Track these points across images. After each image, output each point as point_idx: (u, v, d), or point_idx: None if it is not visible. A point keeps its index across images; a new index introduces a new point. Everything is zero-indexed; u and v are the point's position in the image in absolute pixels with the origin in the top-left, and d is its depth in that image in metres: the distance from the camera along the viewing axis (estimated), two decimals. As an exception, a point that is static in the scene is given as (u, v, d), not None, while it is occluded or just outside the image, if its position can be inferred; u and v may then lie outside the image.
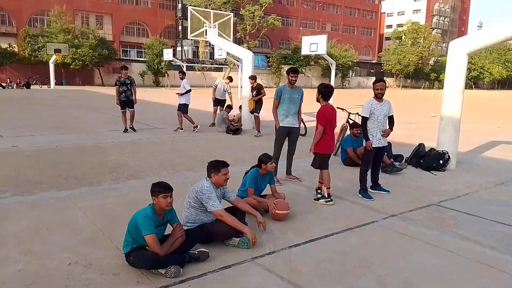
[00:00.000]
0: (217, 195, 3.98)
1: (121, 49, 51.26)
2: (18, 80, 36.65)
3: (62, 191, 5.50)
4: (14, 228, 4.16)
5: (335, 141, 8.49)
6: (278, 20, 52.44)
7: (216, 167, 3.98)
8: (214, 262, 3.54)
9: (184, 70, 38.27)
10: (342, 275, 3.40)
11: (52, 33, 39.80)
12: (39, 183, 5.84)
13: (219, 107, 12.88)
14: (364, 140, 5.65)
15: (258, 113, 11.18)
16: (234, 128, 11.30)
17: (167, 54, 38.31)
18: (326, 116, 5.25)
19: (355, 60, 61.51)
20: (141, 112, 12.70)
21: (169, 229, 3.61)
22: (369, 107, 5.52)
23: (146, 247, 3.32)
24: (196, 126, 11.32)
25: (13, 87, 34.44)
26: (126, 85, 10.72)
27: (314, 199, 5.35)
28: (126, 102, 10.78)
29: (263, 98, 11.31)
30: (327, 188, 5.30)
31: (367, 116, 5.52)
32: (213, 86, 13.26)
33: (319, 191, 5.52)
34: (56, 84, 36.68)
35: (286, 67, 56.25)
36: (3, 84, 34.01)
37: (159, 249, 3.29)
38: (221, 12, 18.09)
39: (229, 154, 8.20)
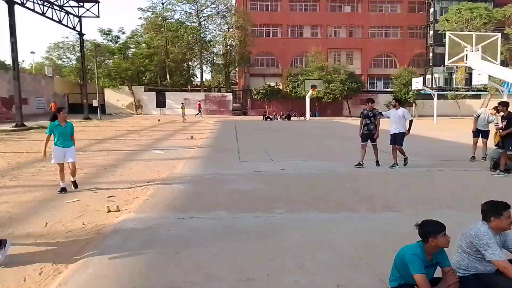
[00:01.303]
0: (497, 242, 3.43)
1: (368, 81, 52.94)
2: (282, 112, 43.08)
3: (323, 213, 6.00)
4: (289, 241, 4.79)
5: None
6: (558, 34, 42.43)
7: (496, 209, 3.45)
8: (495, 320, 3.04)
9: (435, 98, 36.02)
10: None
11: (309, 71, 45.22)
12: (305, 203, 6.57)
13: (481, 138, 11.37)
14: None
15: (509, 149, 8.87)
16: (506, 168, 9.10)
17: (416, 83, 36.95)
18: None
19: None
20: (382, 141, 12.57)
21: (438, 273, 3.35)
22: None
23: (415, 286, 3.17)
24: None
25: (277, 119, 40.71)
26: (369, 118, 10.29)
27: None
28: (368, 135, 10.28)
29: None
30: None
31: None
32: (474, 115, 11.85)
33: None
34: (310, 116, 41.08)
35: None
36: (271, 116, 40.67)
37: (429, 290, 3.08)
38: (486, 33, 16.16)
39: (499, 195, 7.01)
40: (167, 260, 4.24)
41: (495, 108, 10.74)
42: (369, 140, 10.28)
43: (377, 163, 10.26)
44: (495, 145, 9.63)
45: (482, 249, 3.37)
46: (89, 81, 41.88)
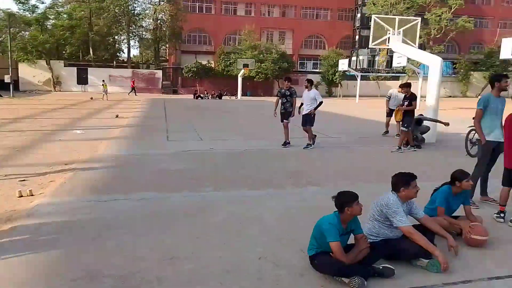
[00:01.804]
0: (404, 210, 3.76)
1: (298, 61, 54.13)
2: (213, 91, 42.64)
3: (251, 190, 6.11)
4: (215, 219, 4.82)
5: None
6: (470, 22, 46.67)
7: (406, 180, 3.77)
8: (399, 280, 3.34)
9: (359, 79, 38.00)
10: None
11: (242, 50, 45.03)
12: (233, 181, 6.63)
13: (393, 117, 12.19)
14: None
15: (406, 128, 9.66)
16: (416, 144, 10.07)
17: (343, 65, 38.58)
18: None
19: None
20: (317, 121, 12.98)
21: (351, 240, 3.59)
22: None
23: (331, 254, 3.37)
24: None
25: (208, 98, 40.24)
26: (286, 97, 10.01)
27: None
28: (284, 114, 10.09)
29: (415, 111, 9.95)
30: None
31: None
32: (386, 98, 12.81)
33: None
34: (242, 95, 41.16)
35: (475, 74, 49.59)
36: (202, 95, 40.07)
37: (343, 257, 3.30)
38: (407, 17, 17.17)
39: (407, 168, 7.65)
40: (86, 244, 4.05)
41: (401, 86, 11.49)
42: (289, 118, 10.13)
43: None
44: (396, 121, 10.71)
45: (391, 217, 3.67)
46: (0, 54, 37.81)
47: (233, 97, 41.49)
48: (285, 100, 10.04)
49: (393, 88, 13.21)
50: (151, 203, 5.42)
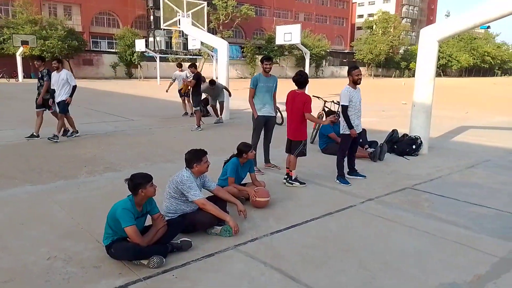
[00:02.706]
0: (197, 184, 3.96)
1: (91, 40, 49.80)
2: (-17, 73, 35.09)
3: (36, 185, 5.35)
4: (-13, 224, 4.02)
5: (312, 129, 8.63)
6: (251, 10, 52.08)
7: (198, 156, 3.96)
8: (197, 251, 3.53)
9: (158, 61, 37.72)
10: (325, 259, 3.46)
11: (18, 24, 38.15)
12: (12, 178, 5.65)
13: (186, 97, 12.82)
14: (341, 128, 5.72)
15: (196, 107, 10.26)
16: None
17: (139, 45, 37.45)
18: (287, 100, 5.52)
19: (328, 50, 61.99)
20: (116, 105, 12.36)
21: (149, 221, 3.57)
22: (348, 95, 5.57)
23: (127, 239, 3.28)
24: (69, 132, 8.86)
25: (-24, 81, 32.93)
26: (39, 80, 8.46)
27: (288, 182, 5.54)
28: (43, 100, 8.47)
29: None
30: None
31: (347, 104, 5.57)
32: (171, 80, 13.84)
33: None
34: (24, 77, 35.29)
35: (260, 57, 56.15)
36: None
37: (140, 240, 3.25)
38: (194, 1, 17.82)
39: (205, 145, 8.15)
40: None
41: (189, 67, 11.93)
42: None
43: (65, 132, 8.78)
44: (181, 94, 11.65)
45: (186, 192, 3.81)
46: None
47: (13, 80, 35.14)
48: (39, 85, 8.47)
49: (177, 71, 13.77)
50: None
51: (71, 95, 8.46)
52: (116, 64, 45.85)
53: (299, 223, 4.23)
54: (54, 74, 8.43)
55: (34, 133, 8.45)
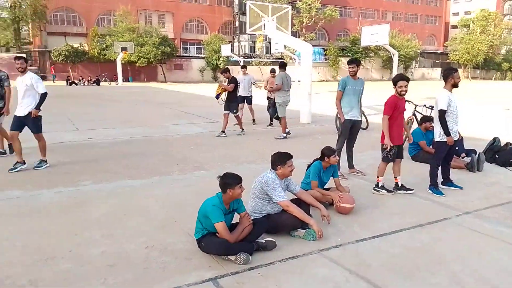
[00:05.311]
0: (281, 186, 4.02)
1: (181, 46, 53.09)
2: (89, 77, 39.34)
3: (135, 180, 5.86)
4: (96, 213, 4.52)
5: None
6: (335, 11, 51.30)
7: (282, 159, 4.02)
8: (281, 252, 3.59)
9: (241, 64, 38.85)
10: (414, 270, 3.29)
11: (118, 32, 42.19)
12: (115, 172, 6.27)
13: (247, 105, 11.77)
14: (436, 135, 5.35)
15: (233, 112, 9.84)
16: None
17: (225, 50, 39.05)
18: (392, 106, 5.16)
19: (418, 51, 58.51)
20: (203, 107, 12.99)
21: (236, 219, 3.72)
22: (447, 99, 5.16)
23: (216, 234, 3.45)
24: None
25: (84, 84, 37.03)
26: None
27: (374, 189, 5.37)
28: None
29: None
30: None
31: (445, 109, 5.17)
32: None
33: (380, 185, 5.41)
34: (123, 81, 38.85)
35: (344, 60, 54.98)
36: (76, 82, 36.67)
37: (229, 236, 3.41)
38: (279, 5, 18.05)
39: (287, 147, 8.21)
40: None
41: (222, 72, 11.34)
42: None
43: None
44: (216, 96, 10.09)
45: (270, 193, 3.90)
46: None
47: (113, 83, 38.93)
48: None
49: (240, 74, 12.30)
50: (18, 203, 4.83)
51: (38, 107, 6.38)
52: (203, 68, 48.37)
53: (386, 232, 4.07)
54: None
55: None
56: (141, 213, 4.53)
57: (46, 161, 6.58)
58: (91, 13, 46.97)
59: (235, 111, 9.85)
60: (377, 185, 5.36)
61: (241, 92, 11.35)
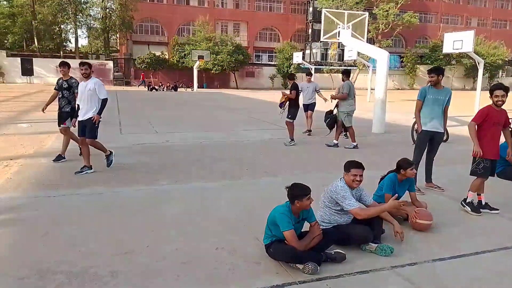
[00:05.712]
0: (353, 196, 3.91)
1: (254, 54, 54.25)
2: (168, 83, 41.72)
3: (208, 182, 6.09)
4: (171, 211, 4.77)
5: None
6: (415, 17, 48.88)
7: (348, 167, 3.93)
8: (350, 265, 3.49)
9: (313, 72, 38.63)
10: (499, 298, 3.02)
11: (196, 41, 44.36)
12: (190, 174, 6.57)
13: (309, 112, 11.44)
14: None
15: (291, 119, 9.48)
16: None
17: (297, 57, 39.08)
18: (483, 115, 4.81)
19: (506, 59, 53.62)
20: (270, 113, 13.00)
21: (305, 227, 3.70)
22: None
23: (285, 241, 3.46)
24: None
25: (163, 90, 39.35)
26: (63, 91, 7.21)
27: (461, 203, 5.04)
28: (61, 114, 7.27)
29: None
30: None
31: None
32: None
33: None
34: (198, 87, 40.65)
35: (422, 67, 52.19)
36: (156, 87, 39.12)
37: (298, 244, 3.39)
38: (356, 12, 17.69)
39: (357, 158, 7.96)
40: (34, 241, 3.87)
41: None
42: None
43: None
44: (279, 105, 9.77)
45: (340, 202, 3.81)
46: None
47: (189, 89, 40.86)
48: (61, 96, 7.25)
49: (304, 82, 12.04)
50: (102, 198, 5.26)
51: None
52: (274, 75, 48.93)
53: (467, 253, 3.78)
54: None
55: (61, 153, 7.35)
56: (212, 214, 4.69)
57: (90, 167, 6.47)
58: (173, 23, 49.94)
59: (290, 116, 9.44)
60: (464, 200, 5.00)
61: (304, 100, 11.15)
